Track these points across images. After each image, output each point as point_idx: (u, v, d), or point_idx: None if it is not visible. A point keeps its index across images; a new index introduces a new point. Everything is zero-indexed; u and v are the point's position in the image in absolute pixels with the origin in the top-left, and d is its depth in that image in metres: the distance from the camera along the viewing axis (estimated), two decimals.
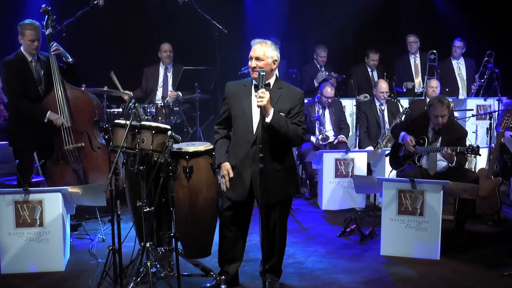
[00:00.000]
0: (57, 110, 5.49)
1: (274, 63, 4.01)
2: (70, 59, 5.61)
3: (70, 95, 5.59)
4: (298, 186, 4.32)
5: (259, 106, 3.74)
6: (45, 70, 5.57)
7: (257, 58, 3.94)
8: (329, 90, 7.13)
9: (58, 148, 5.58)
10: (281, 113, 3.91)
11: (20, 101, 5.46)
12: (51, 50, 5.49)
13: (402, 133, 5.79)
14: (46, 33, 5.53)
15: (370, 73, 8.44)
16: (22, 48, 5.51)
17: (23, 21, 5.48)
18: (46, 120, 5.45)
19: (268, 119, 3.81)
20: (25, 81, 5.47)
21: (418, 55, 8.46)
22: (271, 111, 3.82)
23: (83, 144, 5.59)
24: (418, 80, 8.47)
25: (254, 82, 4.00)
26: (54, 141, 5.59)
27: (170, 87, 7.57)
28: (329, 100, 7.18)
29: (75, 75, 5.69)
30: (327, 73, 8.13)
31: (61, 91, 5.50)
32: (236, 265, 4.30)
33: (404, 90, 8.43)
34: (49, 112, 5.47)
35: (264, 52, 3.95)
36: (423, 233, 4.94)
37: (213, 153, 4.44)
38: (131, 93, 6.92)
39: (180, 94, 7.43)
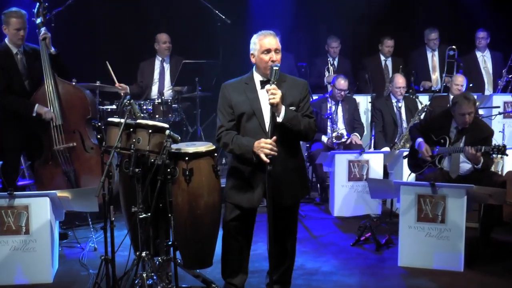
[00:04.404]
0: (47, 106, 5.49)
1: None
2: (53, 49, 5.60)
3: (61, 90, 5.59)
4: (309, 186, 4.35)
5: (271, 104, 3.73)
6: (32, 63, 5.58)
7: (276, 50, 3.93)
8: (342, 82, 7.12)
9: (47, 148, 5.58)
10: (291, 108, 3.90)
11: (3, 96, 5.47)
12: (40, 36, 5.49)
13: (418, 140, 5.76)
14: (37, 22, 5.56)
15: (384, 62, 8.44)
16: (6, 40, 5.53)
17: (7, 9, 5.50)
18: (34, 114, 5.46)
19: (280, 118, 3.80)
20: (9, 75, 5.48)
21: (437, 49, 8.44)
22: (282, 109, 3.80)
23: (74, 144, 5.59)
24: (435, 77, 8.46)
25: (258, 78, 3.99)
26: (43, 140, 5.59)
27: (167, 82, 7.56)
28: (342, 93, 7.15)
29: (61, 68, 5.68)
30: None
31: (52, 86, 5.50)
32: (243, 278, 4.28)
33: (421, 90, 8.41)
34: (37, 105, 5.48)
35: (278, 44, 3.97)
36: (445, 242, 4.92)
37: (215, 154, 4.43)
38: (127, 87, 6.91)
39: (185, 87, 7.45)
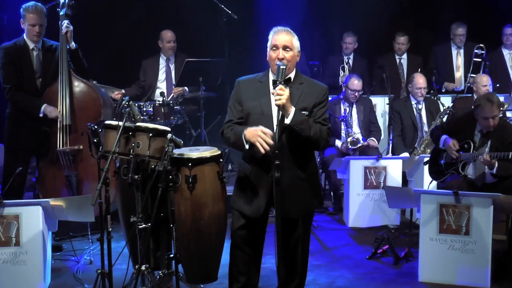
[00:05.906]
0: (57, 103, 5.54)
1: (298, 55, 4.01)
2: (73, 44, 5.68)
3: (75, 89, 5.66)
4: (321, 197, 4.30)
5: (277, 105, 3.71)
6: (49, 61, 5.66)
7: (285, 48, 3.91)
8: (355, 82, 7.10)
9: (53, 148, 5.62)
10: (303, 112, 3.87)
11: (12, 92, 5.55)
12: (61, 29, 5.59)
13: (444, 137, 5.74)
14: (61, 13, 5.65)
15: (398, 61, 8.42)
16: (25, 35, 5.64)
17: (26, 4, 5.60)
18: (41, 115, 5.52)
19: (288, 120, 3.77)
20: (21, 71, 5.57)
21: (462, 46, 8.40)
22: (292, 111, 3.78)
23: (81, 147, 5.60)
24: (458, 76, 8.41)
25: (272, 76, 3.97)
26: (50, 139, 5.62)
27: (174, 82, 7.55)
28: (356, 93, 7.14)
29: (79, 64, 5.75)
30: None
31: (64, 83, 5.56)
32: None
33: (443, 90, 8.36)
34: (44, 105, 5.54)
35: (292, 41, 3.94)
36: (469, 255, 4.89)
37: (221, 160, 4.40)
38: (123, 91, 6.91)
39: (186, 90, 7.43)
